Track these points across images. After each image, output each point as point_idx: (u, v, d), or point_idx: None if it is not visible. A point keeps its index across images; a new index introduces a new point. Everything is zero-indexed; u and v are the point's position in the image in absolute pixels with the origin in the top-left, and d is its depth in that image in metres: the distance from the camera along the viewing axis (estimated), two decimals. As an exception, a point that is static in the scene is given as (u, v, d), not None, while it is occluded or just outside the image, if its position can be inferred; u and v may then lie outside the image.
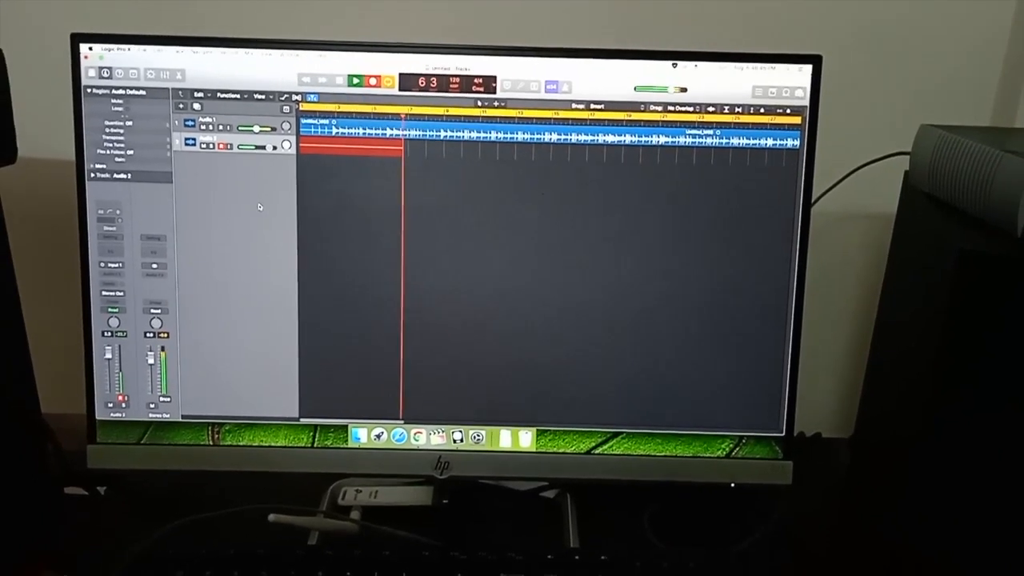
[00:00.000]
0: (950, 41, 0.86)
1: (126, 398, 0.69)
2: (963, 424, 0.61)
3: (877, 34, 0.85)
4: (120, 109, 0.66)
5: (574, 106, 0.66)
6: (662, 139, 0.66)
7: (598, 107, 0.66)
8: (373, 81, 0.66)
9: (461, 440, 0.71)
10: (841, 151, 0.79)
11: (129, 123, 0.66)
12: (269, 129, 0.66)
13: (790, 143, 0.66)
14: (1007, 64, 0.86)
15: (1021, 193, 0.56)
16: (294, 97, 0.66)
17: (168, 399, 0.69)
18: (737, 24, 0.84)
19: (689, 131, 0.66)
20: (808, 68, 0.66)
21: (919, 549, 0.64)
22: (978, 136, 0.63)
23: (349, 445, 0.70)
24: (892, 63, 0.86)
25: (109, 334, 0.69)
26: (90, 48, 0.65)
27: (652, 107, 0.66)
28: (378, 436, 0.70)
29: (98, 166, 0.66)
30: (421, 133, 0.66)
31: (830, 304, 0.93)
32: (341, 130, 0.66)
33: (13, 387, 0.70)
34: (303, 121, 0.66)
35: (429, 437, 0.71)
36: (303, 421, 0.70)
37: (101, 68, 0.65)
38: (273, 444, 0.70)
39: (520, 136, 0.66)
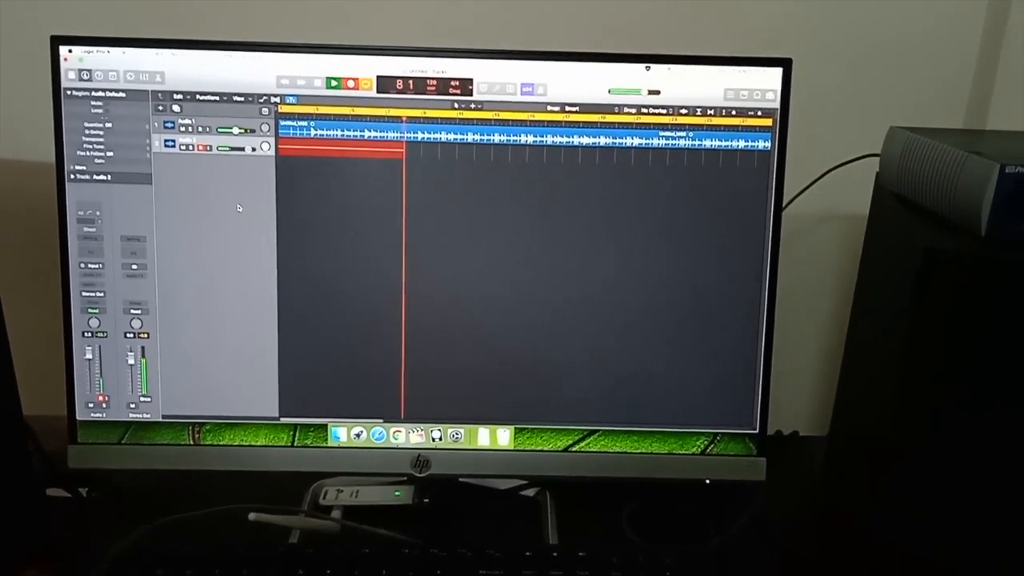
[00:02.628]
0: (922, 44, 0.87)
1: (107, 398, 0.70)
2: (933, 421, 0.62)
3: (849, 37, 0.87)
4: (100, 111, 0.66)
5: (549, 108, 0.67)
6: (636, 141, 0.67)
7: (573, 109, 0.67)
8: (351, 83, 0.66)
9: (440, 439, 0.71)
10: (816, 153, 0.80)
11: (109, 125, 0.66)
12: (248, 131, 0.67)
13: (761, 144, 0.68)
14: (979, 67, 0.88)
15: (984, 193, 0.57)
16: (273, 99, 0.66)
17: (148, 399, 0.70)
18: (709, 28, 0.86)
19: (662, 133, 0.67)
20: (779, 71, 0.67)
21: (894, 544, 0.65)
22: (945, 138, 0.65)
23: (329, 444, 0.71)
24: (865, 66, 0.88)
25: (89, 335, 0.69)
26: (70, 50, 0.66)
27: (626, 109, 0.67)
28: (358, 435, 0.71)
29: (78, 167, 0.67)
30: (398, 135, 0.67)
31: (807, 305, 0.94)
32: (319, 132, 0.67)
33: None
34: (282, 123, 0.67)
35: (408, 436, 0.71)
36: (283, 420, 0.70)
37: (81, 70, 0.66)
38: (253, 443, 0.71)
39: (496, 138, 0.67)
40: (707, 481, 0.72)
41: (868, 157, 0.76)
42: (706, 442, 0.71)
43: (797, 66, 0.67)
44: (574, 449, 0.71)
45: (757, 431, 0.71)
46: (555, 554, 0.66)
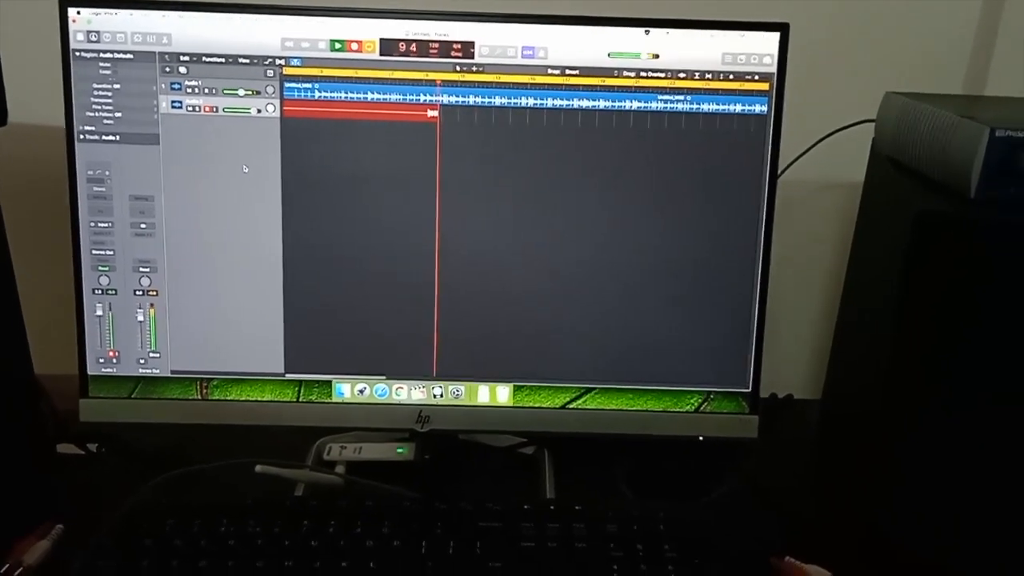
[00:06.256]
0: (922, 10, 0.87)
1: (117, 354, 0.72)
2: (924, 385, 0.63)
3: (848, 2, 0.87)
4: (108, 72, 0.67)
5: (550, 71, 0.68)
6: (635, 104, 0.68)
7: (573, 72, 0.68)
8: (355, 46, 0.67)
9: (441, 395, 0.73)
10: (814, 119, 0.81)
11: (117, 86, 0.67)
12: (253, 92, 0.68)
13: (758, 109, 0.68)
14: (978, 33, 0.88)
15: (975, 157, 0.58)
16: (278, 61, 0.67)
17: (157, 355, 0.72)
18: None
19: (661, 96, 0.68)
20: (776, 36, 0.67)
21: (881, 506, 0.67)
22: (940, 103, 0.66)
23: (333, 400, 0.73)
24: (863, 32, 0.88)
25: (100, 292, 0.71)
26: (78, 12, 0.67)
27: (625, 73, 0.68)
28: (361, 391, 0.73)
29: (87, 128, 0.68)
30: (402, 97, 0.68)
31: (805, 269, 0.95)
32: (323, 94, 0.68)
33: (5, 348, 0.72)
34: (286, 85, 0.68)
35: (410, 392, 0.73)
36: (288, 376, 0.72)
37: (89, 32, 0.67)
38: (260, 399, 0.72)
39: (497, 100, 0.68)
40: (700, 438, 0.74)
41: (865, 123, 0.77)
42: (700, 400, 0.73)
43: (795, 31, 0.68)
44: (571, 406, 0.73)
45: (750, 390, 0.73)
46: (552, 508, 0.68)
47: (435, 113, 0.68)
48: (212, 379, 0.72)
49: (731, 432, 0.73)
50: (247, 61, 0.67)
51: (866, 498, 0.68)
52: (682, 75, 0.68)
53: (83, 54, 0.67)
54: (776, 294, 0.72)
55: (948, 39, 0.88)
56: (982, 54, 0.89)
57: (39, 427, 0.77)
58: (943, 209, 0.60)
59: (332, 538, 0.64)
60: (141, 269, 0.70)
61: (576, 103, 0.68)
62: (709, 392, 0.73)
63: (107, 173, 0.69)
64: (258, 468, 0.69)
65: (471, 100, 0.68)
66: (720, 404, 0.73)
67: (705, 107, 0.68)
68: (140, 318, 0.71)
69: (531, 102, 0.68)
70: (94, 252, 0.70)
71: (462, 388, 0.73)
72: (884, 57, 0.88)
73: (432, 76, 0.68)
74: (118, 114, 0.68)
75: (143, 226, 0.70)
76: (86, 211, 0.69)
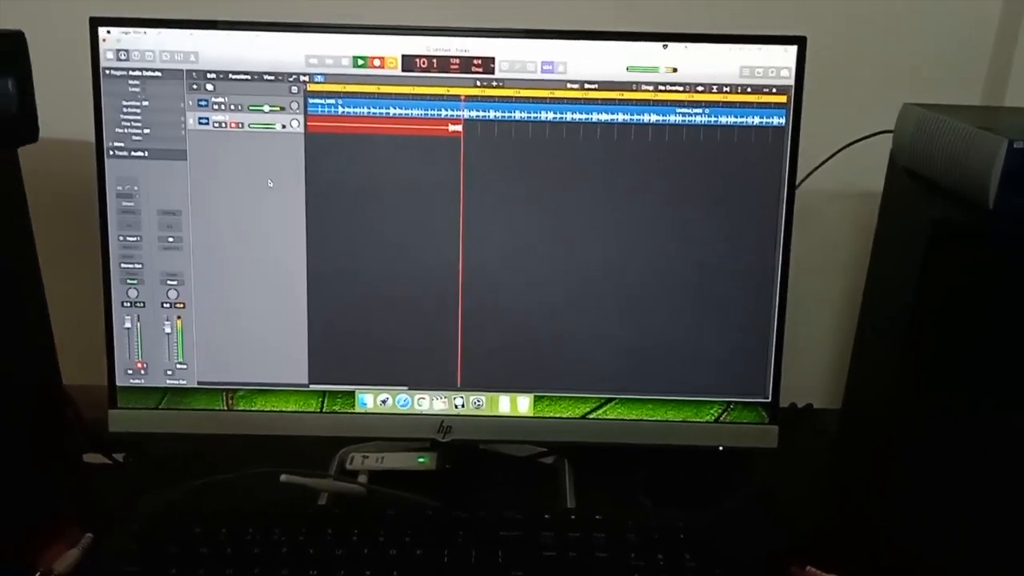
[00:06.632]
0: (940, 20, 0.88)
1: (145, 365, 0.73)
2: (938, 394, 0.63)
3: (866, 13, 0.87)
4: (137, 90, 0.69)
5: (569, 86, 0.69)
6: (653, 117, 0.69)
7: (592, 87, 0.69)
8: (377, 62, 0.69)
9: (462, 406, 0.74)
10: (832, 130, 0.82)
11: (145, 103, 0.69)
12: (278, 108, 0.69)
13: (776, 121, 0.69)
14: (997, 43, 0.88)
15: (993, 167, 0.58)
16: (302, 78, 0.69)
17: (184, 366, 0.73)
18: (726, 6, 0.87)
19: (679, 110, 0.69)
20: (793, 49, 0.68)
21: (894, 513, 0.67)
22: (957, 114, 0.66)
23: (356, 410, 0.74)
24: (881, 43, 0.88)
25: (128, 304, 0.72)
26: (108, 31, 0.68)
27: (644, 87, 0.69)
28: (383, 402, 0.74)
29: (116, 144, 0.69)
30: (423, 112, 0.69)
31: (824, 279, 0.95)
32: (347, 109, 0.69)
33: (35, 359, 0.73)
34: (310, 101, 0.69)
35: (432, 403, 0.74)
36: (312, 387, 0.73)
37: (119, 50, 0.68)
38: (284, 409, 0.73)
39: (518, 115, 0.69)
40: (720, 448, 0.74)
41: (883, 134, 0.77)
42: (719, 410, 0.73)
43: (812, 43, 0.68)
44: (592, 416, 0.74)
45: (769, 400, 0.73)
46: (573, 517, 0.68)
47: (458, 128, 0.69)
48: (237, 390, 0.73)
49: (751, 442, 0.73)
50: (272, 78, 0.69)
51: (881, 506, 0.68)
52: (700, 88, 0.68)
53: (113, 72, 0.69)
54: (795, 304, 0.72)
55: (967, 50, 0.88)
56: (1001, 64, 0.89)
57: (66, 436, 0.78)
58: (961, 220, 0.61)
59: (355, 547, 0.65)
60: (168, 282, 0.72)
61: (595, 117, 0.69)
62: (729, 402, 0.73)
63: (136, 188, 0.70)
64: (283, 477, 0.70)
65: (492, 115, 0.69)
66: (740, 414, 0.73)
67: (723, 120, 0.69)
68: (167, 330, 0.72)
69: (551, 116, 0.69)
70: (123, 265, 0.71)
71: (483, 398, 0.74)
72: (902, 68, 0.89)
73: (456, 91, 0.69)
74: (146, 130, 0.69)
75: (171, 240, 0.71)
76: (115, 225, 0.71)
